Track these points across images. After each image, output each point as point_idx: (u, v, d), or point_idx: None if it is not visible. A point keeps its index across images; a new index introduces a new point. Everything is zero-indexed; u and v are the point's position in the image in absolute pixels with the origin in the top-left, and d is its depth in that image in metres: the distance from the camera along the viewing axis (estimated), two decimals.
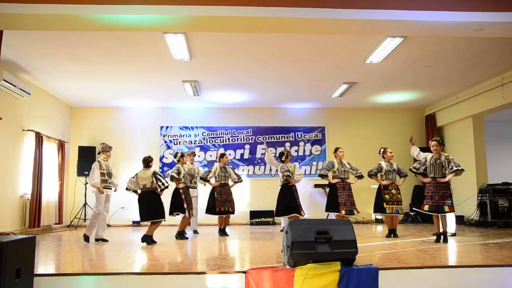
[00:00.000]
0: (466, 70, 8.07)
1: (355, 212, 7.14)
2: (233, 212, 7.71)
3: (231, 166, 8.41)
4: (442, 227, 6.21)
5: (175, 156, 7.39)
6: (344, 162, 7.28)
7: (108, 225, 9.99)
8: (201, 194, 8.33)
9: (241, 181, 8.00)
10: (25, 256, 3.47)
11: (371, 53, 7.02)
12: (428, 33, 5.61)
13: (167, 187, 6.44)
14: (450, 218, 6.84)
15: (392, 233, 6.92)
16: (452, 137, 10.59)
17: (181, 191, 7.03)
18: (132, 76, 8.34)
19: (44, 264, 4.47)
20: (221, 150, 10.83)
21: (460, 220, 9.61)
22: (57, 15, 4.52)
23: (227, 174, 7.72)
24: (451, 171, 6.11)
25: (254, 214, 10.43)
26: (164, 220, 6.55)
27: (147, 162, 6.51)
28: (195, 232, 8.13)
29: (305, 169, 10.88)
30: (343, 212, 6.99)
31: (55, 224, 9.34)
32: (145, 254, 5.29)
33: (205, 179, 7.63)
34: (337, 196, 7.07)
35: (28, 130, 8.35)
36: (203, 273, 3.79)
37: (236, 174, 7.89)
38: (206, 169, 8.74)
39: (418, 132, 11.20)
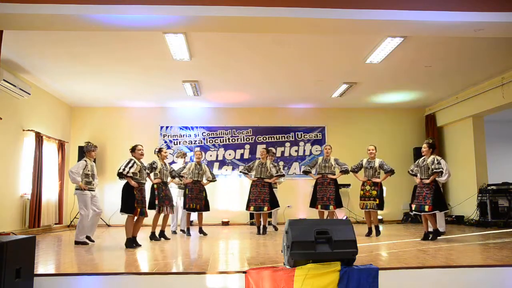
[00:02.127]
0: (466, 70, 8.07)
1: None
2: (201, 210, 7.60)
3: (206, 164, 8.54)
4: (430, 225, 6.41)
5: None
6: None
7: (108, 225, 10.01)
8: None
9: (214, 180, 7.91)
10: (25, 256, 3.47)
11: (371, 53, 7.02)
12: (428, 33, 5.61)
13: (119, 174, 5.94)
14: (439, 217, 6.95)
15: (370, 231, 7.03)
16: (452, 137, 10.59)
17: (155, 186, 6.93)
18: (132, 76, 8.34)
19: (44, 264, 4.47)
20: (221, 150, 10.86)
21: (460, 220, 9.63)
22: (57, 15, 4.52)
23: (201, 171, 7.69)
24: (431, 173, 6.36)
25: (254, 214, 10.40)
26: (133, 215, 5.97)
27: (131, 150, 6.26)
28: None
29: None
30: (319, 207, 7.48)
31: (55, 224, 9.34)
32: (145, 254, 5.29)
33: (178, 175, 7.52)
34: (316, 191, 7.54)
35: (28, 130, 8.35)
36: (203, 273, 3.79)
37: (211, 173, 7.87)
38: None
39: (418, 132, 11.21)
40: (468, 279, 3.89)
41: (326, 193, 7.39)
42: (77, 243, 6.30)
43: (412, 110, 11.23)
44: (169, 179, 7.28)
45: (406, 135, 11.13)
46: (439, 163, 6.37)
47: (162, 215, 7.04)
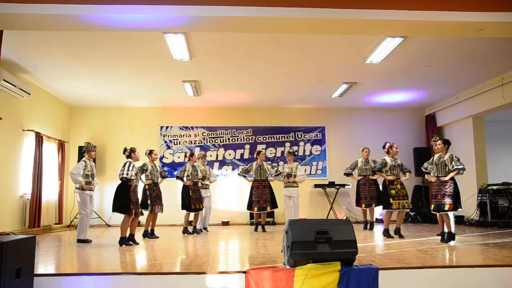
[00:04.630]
0: (466, 70, 8.07)
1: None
2: (202, 209, 8.07)
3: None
4: (446, 226, 6.15)
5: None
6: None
7: (108, 225, 10.01)
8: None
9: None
10: (25, 256, 3.47)
11: (371, 53, 7.01)
12: (428, 33, 5.61)
13: (122, 178, 6.08)
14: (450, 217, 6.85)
15: (397, 232, 6.89)
16: (452, 137, 10.50)
17: (146, 187, 7.24)
18: (132, 76, 8.34)
19: (44, 264, 4.47)
20: (221, 150, 10.85)
21: (460, 220, 9.62)
22: (56, 15, 4.52)
23: (197, 173, 8.03)
24: (452, 169, 6.10)
25: (254, 214, 10.40)
26: (130, 215, 6.15)
27: (129, 152, 6.32)
28: (205, 229, 8.42)
29: (305, 169, 10.86)
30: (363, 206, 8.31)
31: (55, 224, 9.34)
32: (145, 254, 5.29)
33: (181, 178, 7.85)
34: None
35: (28, 130, 8.35)
36: (203, 273, 3.79)
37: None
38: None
39: (418, 132, 11.22)
40: (468, 279, 3.89)
41: (369, 193, 8.21)
42: (79, 241, 6.46)
43: (412, 110, 11.23)
44: (159, 179, 7.55)
45: (406, 135, 11.12)
46: (458, 160, 6.13)
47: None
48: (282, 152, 10.92)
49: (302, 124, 11.10)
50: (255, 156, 8.47)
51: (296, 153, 9.25)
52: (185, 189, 7.80)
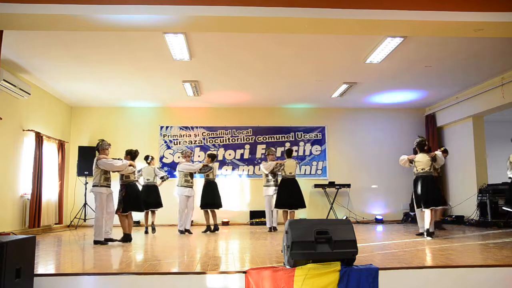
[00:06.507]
0: (466, 70, 8.07)
1: None
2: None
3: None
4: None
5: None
6: None
7: None
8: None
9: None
10: (25, 256, 3.47)
11: (371, 53, 7.02)
12: (428, 33, 5.61)
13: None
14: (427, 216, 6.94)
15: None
16: (452, 137, 10.59)
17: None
18: (132, 76, 8.34)
19: (44, 264, 4.47)
20: (221, 150, 10.86)
21: (460, 220, 9.64)
22: (57, 15, 4.52)
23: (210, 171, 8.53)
24: None
25: (254, 214, 10.42)
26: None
27: (133, 155, 7.04)
28: (188, 231, 8.24)
29: (305, 169, 10.88)
30: None
31: (55, 224, 9.34)
32: (145, 254, 5.29)
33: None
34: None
35: (28, 130, 8.35)
36: (203, 273, 3.79)
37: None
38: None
39: (418, 132, 11.18)
40: (468, 279, 3.89)
41: None
42: (96, 242, 6.33)
43: (412, 110, 11.24)
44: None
45: (406, 135, 11.11)
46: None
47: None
48: (282, 152, 10.90)
49: (302, 124, 11.10)
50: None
51: (267, 153, 8.63)
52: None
